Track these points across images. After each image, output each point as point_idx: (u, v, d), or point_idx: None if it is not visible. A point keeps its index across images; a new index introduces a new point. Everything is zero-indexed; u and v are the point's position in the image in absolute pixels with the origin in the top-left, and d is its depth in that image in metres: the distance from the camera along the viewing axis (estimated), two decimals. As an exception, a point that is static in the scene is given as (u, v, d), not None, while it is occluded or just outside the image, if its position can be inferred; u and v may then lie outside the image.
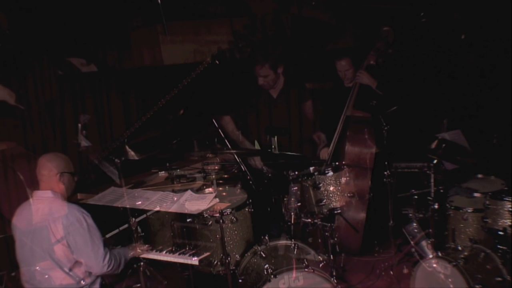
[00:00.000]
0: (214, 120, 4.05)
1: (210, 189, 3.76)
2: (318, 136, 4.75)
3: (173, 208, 3.37)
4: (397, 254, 4.34)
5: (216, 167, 3.83)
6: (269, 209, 4.09)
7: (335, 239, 3.68)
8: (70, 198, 3.31)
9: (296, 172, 3.88)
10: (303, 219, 3.76)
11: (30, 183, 3.88)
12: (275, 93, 4.76)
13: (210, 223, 3.43)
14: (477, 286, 3.12)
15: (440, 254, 3.37)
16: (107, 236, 3.53)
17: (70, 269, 3.09)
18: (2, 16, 4.68)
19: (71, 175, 3.25)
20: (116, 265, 3.20)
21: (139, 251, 3.45)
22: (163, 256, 3.53)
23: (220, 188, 3.85)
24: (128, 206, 3.36)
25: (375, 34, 4.72)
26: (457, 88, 5.24)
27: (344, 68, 4.76)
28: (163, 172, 4.20)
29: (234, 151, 3.90)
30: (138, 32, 5.79)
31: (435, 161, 3.72)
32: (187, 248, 3.55)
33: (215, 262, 3.47)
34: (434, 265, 3.34)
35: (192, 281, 3.85)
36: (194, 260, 3.40)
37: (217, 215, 3.33)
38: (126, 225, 3.49)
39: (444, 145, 3.63)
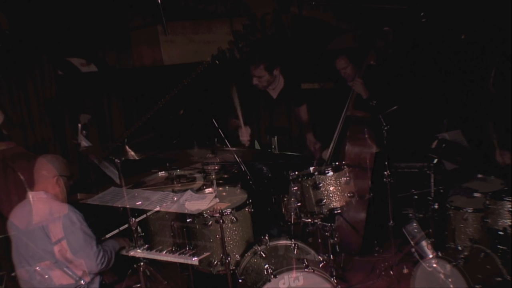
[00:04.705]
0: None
1: (210, 189, 3.76)
2: (314, 144, 4.69)
3: (173, 208, 3.37)
4: (397, 254, 4.33)
5: (216, 167, 3.82)
6: (269, 209, 4.08)
7: (335, 239, 3.68)
8: (65, 200, 3.32)
9: (296, 172, 3.88)
10: (303, 219, 3.77)
11: (31, 183, 3.88)
12: (275, 93, 4.73)
13: (210, 223, 3.43)
14: (477, 286, 3.12)
15: (440, 254, 3.37)
16: (107, 236, 3.54)
17: (67, 268, 3.09)
18: (2, 16, 4.68)
19: (67, 179, 3.30)
20: (107, 261, 3.24)
21: (124, 242, 3.50)
22: (163, 256, 3.52)
23: (220, 188, 3.85)
24: (128, 206, 3.36)
25: (375, 34, 4.73)
26: (457, 88, 5.23)
27: (343, 66, 4.82)
28: (163, 172, 4.20)
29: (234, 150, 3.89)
30: (138, 32, 5.79)
31: (435, 161, 3.72)
32: (187, 248, 3.54)
33: (215, 262, 3.46)
34: (434, 265, 3.34)
35: (192, 281, 3.85)
36: (194, 260, 3.40)
37: (217, 215, 3.32)
38: (126, 225, 3.49)
39: (444, 145, 3.64)
